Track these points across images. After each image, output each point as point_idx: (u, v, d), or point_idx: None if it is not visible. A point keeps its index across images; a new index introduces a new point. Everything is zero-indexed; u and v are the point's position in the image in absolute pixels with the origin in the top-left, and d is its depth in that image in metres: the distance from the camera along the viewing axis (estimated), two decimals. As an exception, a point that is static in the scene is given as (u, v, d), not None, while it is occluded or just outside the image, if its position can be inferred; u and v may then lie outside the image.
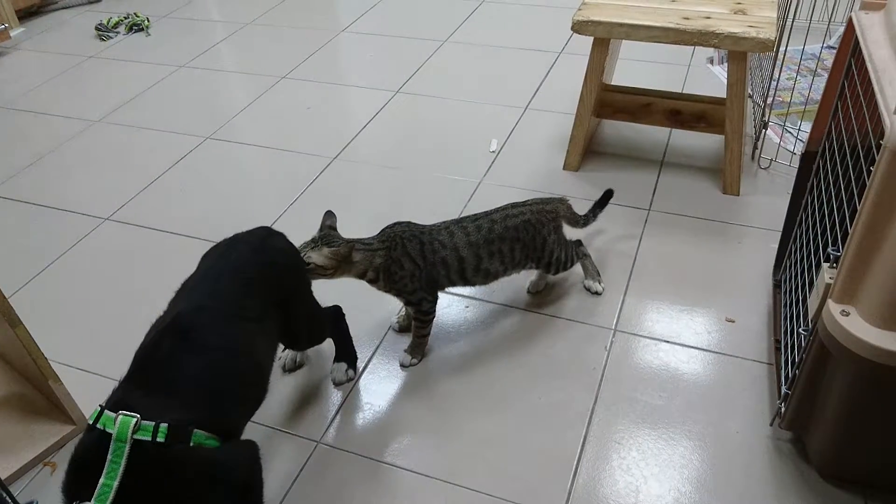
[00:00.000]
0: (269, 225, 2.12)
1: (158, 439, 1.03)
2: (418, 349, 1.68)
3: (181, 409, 1.08)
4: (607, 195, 1.87)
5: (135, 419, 1.03)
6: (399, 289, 1.57)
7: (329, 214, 1.58)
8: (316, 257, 1.47)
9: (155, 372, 1.12)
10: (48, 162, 2.52)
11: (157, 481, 1.05)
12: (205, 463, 1.10)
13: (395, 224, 1.60)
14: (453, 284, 1.62)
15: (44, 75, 3.11)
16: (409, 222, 1.61)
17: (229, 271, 1.28)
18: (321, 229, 1.55)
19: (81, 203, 2.29)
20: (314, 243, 1.50)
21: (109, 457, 1.01)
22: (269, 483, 1.43)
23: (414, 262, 1.55)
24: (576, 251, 1.78)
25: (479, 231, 1.60)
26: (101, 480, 1.00)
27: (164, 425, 1.04)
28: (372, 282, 1.57)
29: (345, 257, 1.49)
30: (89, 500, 1.00)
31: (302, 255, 1.47)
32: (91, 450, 1.03)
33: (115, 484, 1.00)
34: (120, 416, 1.03)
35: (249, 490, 1.20)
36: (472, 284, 1.66)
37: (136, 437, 1.02)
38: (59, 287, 1.97)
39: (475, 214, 1.65)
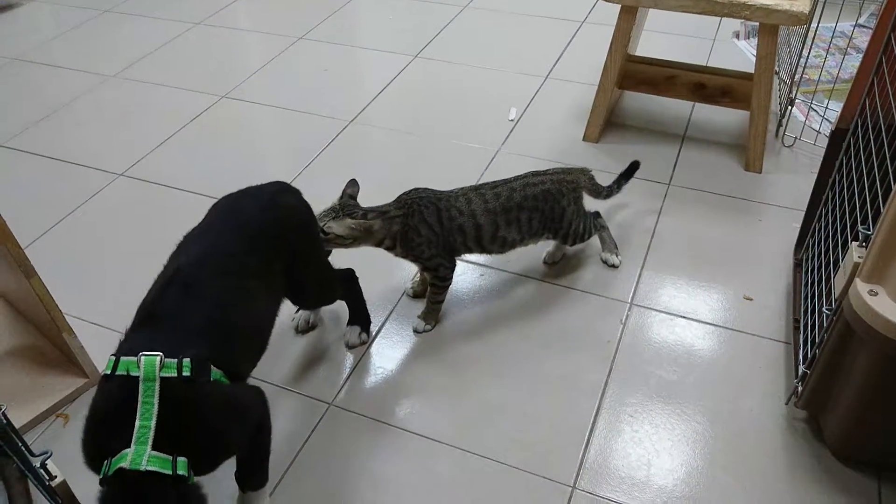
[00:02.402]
0: (284, 186, 2.11)
1: (184, 373, 1.03)
2: (432, 315, 1.67)
3: (193, 350, 1.08)
4: (633, 167, 1.84)
5: (158, 356, 1.02)
6: (416, 255, 1.55)
7: (352, 183, 1.55)
8: (337, 227, 1.45)
9: (159, 322, 1.11)
10: (62, 115, 2.49)
11: (189, 415, 1.04)
12: (227, 396, 1.11)
13: (411, 190, 1.58)
14: (469, 251, 1.61)
15: (58, 28, 3.07)
16: (426, 188, 1.58)
17: (233, 227, 1.27)
18: (341, 197, 1.53)
19: (96, 158, 2.27)
20: (334, 212, 1.48)
21: (141, 398, 1.00)
22: (280, 442, 1.43)
23: (431, 229, 1.53)
24: (594, 223, 1.76)
25: (498, 199, 1.58)
26: (138, 423, 0.99)
27: (186, 360, 1.04)
28: (389, 249, 1.55)
29: (369, 229, 1.48)
30: (126, 448, 0.99)
31: (321, 223, 1.45)
32: (115, 397, 1.02)
33: (153, 423, 1.00)
34: (143, 357, 1.02)
35: (262, 429, 1.21)
36: (489, 252, 1.64)
37: (161, 374, 1.02)
38: (73, 240, 1.96)
39: (494, 182, 1.63)
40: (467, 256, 1.83)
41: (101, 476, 1.01)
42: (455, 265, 1.61)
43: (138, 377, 1.02)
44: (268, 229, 1.29)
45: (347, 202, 1.51)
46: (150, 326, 1.12)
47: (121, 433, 1.00)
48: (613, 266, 1.80)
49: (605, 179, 1.83)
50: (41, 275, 1.41)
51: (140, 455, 0.99)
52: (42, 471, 0.99)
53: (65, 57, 2.85)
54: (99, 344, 1.61)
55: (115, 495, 1.00)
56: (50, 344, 1.61)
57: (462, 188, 1.61)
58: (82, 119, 2.48)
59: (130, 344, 1.08)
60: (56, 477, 1.01)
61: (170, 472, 1.00)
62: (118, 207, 2.07)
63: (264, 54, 2.81)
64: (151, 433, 0.99)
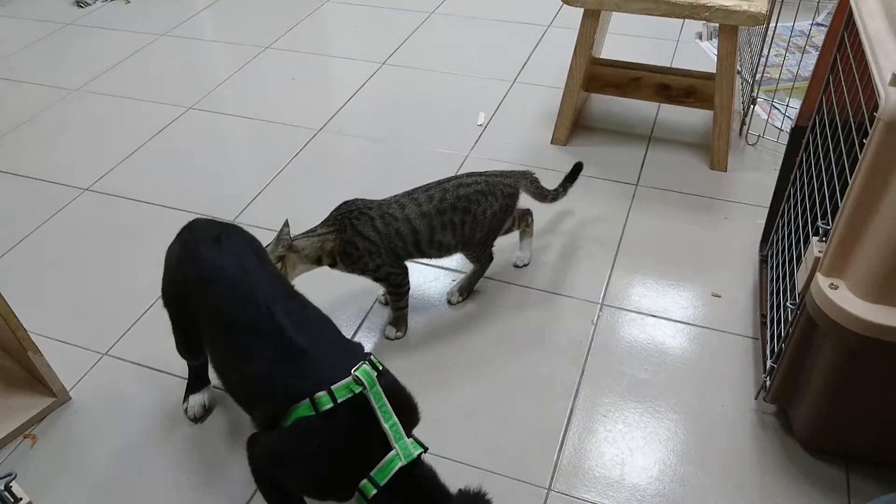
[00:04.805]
0: (253, 197, 2.10)
1: (379, 368, 1.10)
2: (400, 321, 1.66)
3: (355, 346, 1.18)
4: (577, 168, 1.81)
5: (365, 364, 1.08)
6: (361, 268, 1.53)
7: (285, 224, 1.51)
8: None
9: (305, 352, 1.12)
10: (25, 131, 2.45)
11: (402, 396, 1.13)
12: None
13: (342, 204, 1.55)
14: (411, 257, 1.57)
15: (20, 42, 3.02)
16: (357, 199, 1.56)
17: (243, 249, 1.29)
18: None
19: (60, 173, 2.24)
20: (273, 248, 1.48)
21: (376, 404, 1.05)
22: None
23: (368, 240, 1.51)
24: (491, 253, 1.72)
25: (431, 201, 1.54)
26: (387, 425, 1.05)
27: (367, 362, 1.09)
28: (332, 266, 1.53)
29: (296, 253, 1.47)
30: (384, 453, 1.04)
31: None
32: (344, 422, 1.06)
33: (395, 419, 1.06)
34: (357, 373, 1.06)
35: None
36: (429, 257, 1.60)
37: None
38: (38, 258, 1.93)
39: (427, 184, 1.59)
40: (440, 262, 1.83)
41: (367, 497, 1.04)
42: (406, 270, 1.59)
43: (356, 393, 1.06)
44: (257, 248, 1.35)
45: (281, 235, 1.48)
46: (305, 356, 1.11)
47: (367, 448, 1.05)
48: (524, 266, 1.81)
49: (576, 182, 1.84)
50: (5, 293, 1.39)
51: (406, 448, 1.05)
52: (7, 493, 0.97)
53: (27, 71, 2.80)
54: (66, 362, 1.59)
55: (410, 493, 1.06)
56: (16, 363, 1.58)
57: (395, 195, 1.58)
58: (46, 134, 2.44)
59: (307, 381, 1.08)
60: (21, 500, 1.00)
61: (424, 449, 1.08)
62: (84, 223, 2.04)
63: (231, 64, 2.79)
64: (399, 427, 1.06)
